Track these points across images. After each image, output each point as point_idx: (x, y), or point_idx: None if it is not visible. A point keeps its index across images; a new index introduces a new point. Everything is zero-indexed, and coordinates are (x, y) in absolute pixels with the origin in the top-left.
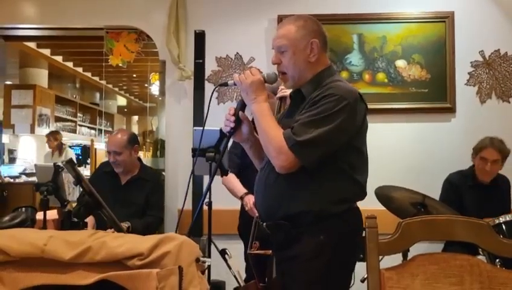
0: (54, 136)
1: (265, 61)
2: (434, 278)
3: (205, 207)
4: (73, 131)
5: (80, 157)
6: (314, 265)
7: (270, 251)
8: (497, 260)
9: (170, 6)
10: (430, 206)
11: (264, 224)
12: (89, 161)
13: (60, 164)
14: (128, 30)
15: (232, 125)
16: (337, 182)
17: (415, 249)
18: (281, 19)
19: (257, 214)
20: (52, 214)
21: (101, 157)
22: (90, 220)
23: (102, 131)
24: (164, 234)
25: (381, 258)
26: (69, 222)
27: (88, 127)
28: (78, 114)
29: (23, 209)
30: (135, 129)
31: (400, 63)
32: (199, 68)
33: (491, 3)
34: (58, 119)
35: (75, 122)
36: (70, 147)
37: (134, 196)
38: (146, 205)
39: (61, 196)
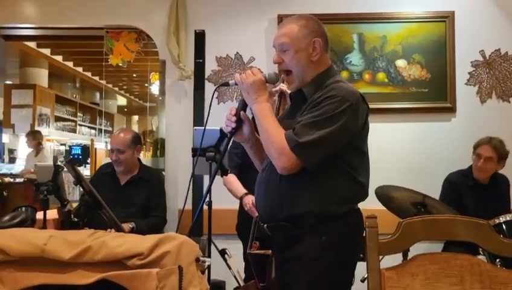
0: (32, 135)
1: (265, 61)
2: (434, 278)
3: (205, 207)
4: (73, 131)
5: (80, 157)
6: (317, 265)
7: (270, 251)
8: (498, 260)
9: (170, 6)
10: (430, 206)
11: (265, 225)
12: (89, 161)
13: (60, 163)
14: (128, 30)
15: (233, 125)
16: (338, 183)
17: (415, 249)
18: (281, 18)
19: (257, 214)
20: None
21: (101, 157)
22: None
23: (102, 131)
24: (164, 234)
25: (382, 258)
26: (69, 221)
27: (88, 127)
28: (78, 114)
29: (23, 208)
30: (135, 129)
31: (400, 63)
32: (199, 68)
33: (492, 3)
34: (58, 119)
35: (75, 122)
36: (70, 146)
37: (134, 196)
38: (147, 205)
39: (61, 196)
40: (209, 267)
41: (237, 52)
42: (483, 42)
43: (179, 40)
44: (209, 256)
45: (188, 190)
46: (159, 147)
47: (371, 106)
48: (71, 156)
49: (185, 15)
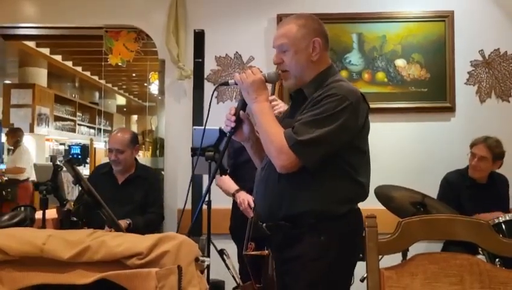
0: (12, 133)
1: (264, 61)
2: (434, 278)
3: (204, 207)
4: (73, 130)
5: (79, 156)
6: (317, 265)
7: (266, 252)
8: (497, 260)
9: (170, 6)
10: (430, 205)
11: (264, 224)
12: (88, 160)
13: (59, 163)
14: (128, 29)
15: (233, 125)
16: (338, 183)
17: (415, 249)
18: (280, 18)
19: (252, 215)
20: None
21: (101, 156)
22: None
23: (102, 130)
24: (163, 233)
25: (381, 258)
26: (68, 221)
27: (87, 127)
28: (78, 113)
29: (22, 208)
30: (134, 128)
31: (400, 63)
32: (198, 67)
33: (491, 3)
34: (57, 118)
35: (75, 121)
36: (69, 146)
37: (132, 194)
38: (145, 202)
39: (60, 195)
40: (208, 267)
41: (236, 52)
42: (482, 42)
43: (179, 39)
44: (209, 256)
45: (189, 190)
46: (158, 146)
47: (371, 105)
48: (70, 156)
49: (184, 14)
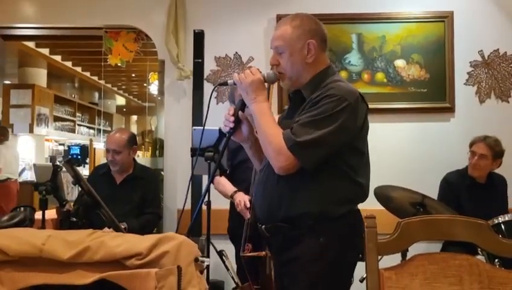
0: None
1: (264, 61)
2: (433, 278)
3: (204, 207)
4: (72, 131)
5: (79, 157)
6: (316, 267)
7: (263, 253)
8: (496, 260)
9: (169, 6)
10: (429, 206)
11: (263, 227)
12: (88, 161)
13: (58, 163)
14: (127, 30)
15: (231, 125)
16: (337, 184)
17: (414, 249)
18: (280, 18)
19: (249, 216)
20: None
21: (100, 156)
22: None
23: (101, 131)
24: (163, 234)
25: (380, 258)
26: (67, 221)
27: (87, 127)
28: (77, 114)
29: (22, 208)
30: (134, 129)
31: (399, 63)
32: (198, 68)
33: (491, 3)
34: (57, 118)
35: (74, 122)
36: (69, 146)
37: (129, 194)
38: (143, 202)
39: (60, 196)
40: (208, 267)
41: (236, 52)
42: (482, 42)
43: (178, 40)
44: (208, 256)
45: (188, 190)
46: (158, 147)
47: (370, 106)
48: (70, 156)
49: (184, 15)
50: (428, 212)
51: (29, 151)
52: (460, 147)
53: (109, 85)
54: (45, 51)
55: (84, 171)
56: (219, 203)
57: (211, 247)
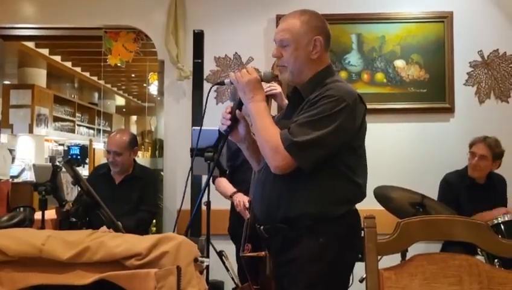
0: None
1: (264, 61)
2: (433, 278)
3: (204, 207)
4: (72, 131)
5: (79, 157)
6: (315, 267)
7: (263, 253)
8: (496, 260)
9: (169, 6)
10: (429, 206)
11: (262, 227)
12: (87, 161)
13: (58, 163)
14: (127, 30)
15: (228, 123)
16: (335, 184)
17: (414, 249)
18: (279, 18)
19: (248, 216)
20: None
21: (100, 157)
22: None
23: (101, 131)
24: (162, 234)
25: (380, 258)
26: (67, 221)
27: (86, 127)
28: (77, 114)
29: (21, 209)
30: (134, 129)
31: (399, 63)
32: (198, 68)
33: (490, 4)
34: (56, 119)
35: (74, 122)
36: (69, 146)
37: (128, 194)
38: (140, 201)
39: (59, 196)
40: (207, 267)
41: (236, 53)
42: (481, 42)
43: (178, 40)
44: (208, 256)
45: (185, 191)
46: (158, 147)
47: (370, 106)
48: (69, 156)
49: (183, 15)
50: (428, 212)
51: (29, 152)
52: (459, 147)
53: (109, 85)
54: (45, 51)
55: (84, 171)
56: (219, 204)
57: (211, 247)
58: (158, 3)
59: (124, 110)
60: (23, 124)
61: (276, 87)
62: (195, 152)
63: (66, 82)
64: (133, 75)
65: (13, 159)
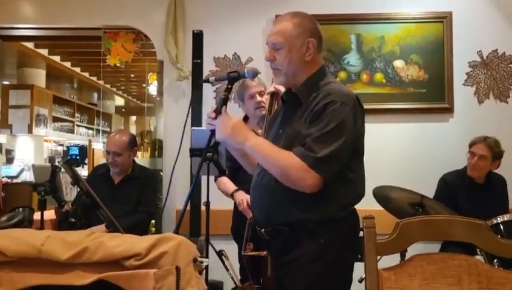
0: None
1: (263, 61)
2: (432, 278)
3: (203, 207)
4: (71, 131)
5: (78, 157)
6: (315, 267)
7: (265, 253)
8: (495, 260)
9: (168, 6)
10: (428, 206)
11: (262, 230)
12: (86, 161)
13: (57, 164)
14: (126, 30)
15: (214, 122)
16: (336, 187)
17: (413, 249)
18: None
19: (251, 215)
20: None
21: (99, 157)
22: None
23: (100, 131)
24: (162, 234)
25: (379, 259)
26: (66, 222)
27: (86, 128)
28: (76, 114)
29: (21, 209)
30: (133, 129)
31: (398, 63)
32: (197, 68)
33: (489, 4)
34: (55, 119)
35: (73, 122)
36: (68, 147)
37: (127, 194)
38: (139, 202)
39: (58, 196)
40: (206, 267)
41: (235, 53)
42: (480, 43)
43: (177, 40)
44: (207, 256)
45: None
46: (157, 147)
47: (369, 106)
48: (69, 157)
49: (182, 15)
50: (427, 212)
51: (28, 152)
52: (459, 147)
53: (108, 85)
54: (44, 52)
55: (83, 171)
56: (219, 204)
57: (211, 247)
58: (157, 3)
59: (123, 110)
60: (23, 125)
61: (280, 87)
62: (192, 152)
63: (65, 82)
64: (132, 76)
65: (12, 159)
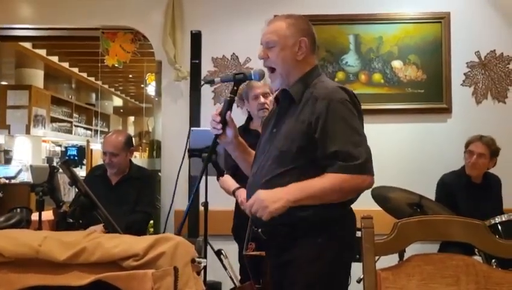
0: None
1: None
2: (430, 279)
3: (201, 208)
4: (69, 132)
5: (76, 158)
6: (313, 268)
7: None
8: (493, 260)
9: (166, 7)
10: (426, 206)
11: (259, 230)
12: (84, 162)
13: (55, 164)
14: (124, 30)
15: (219, 126)
16: None
17: (411, 250)
18: None
19: None
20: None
21: (97, 157)
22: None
23: (98, 132)
24: (160, 235)
25: (378, 259)
26: (64, 222)
27: (84, 128)
28: (74, 115)
29: (18, 210)
30: (131, 130)
31: (396, 64)
32: (195, 69)
33: (487, 4)
34: (54, 119)
35: (71, 122)
36: (66, 147)
37: (125, 195)
38: (137, 202)
39: (56, 197)
40: (205, 268)
41: (233, 53)
42: (478, 43)
43: (175, 40)
44: (205, 257)
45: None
46: (155, 148)
47: (367, 106)
48: (67, 157)
49: (181, 16)
50: (426, 212)
51: (26, 153)
52: (457, 147)
53: (106, 86)
54: (42, 52)
55: (81, 172)
56: (218, 204)
57: (209, 248)
58: (155, 3)
59: (121, 111)
60: (21, 125)
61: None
62: (191, 152)
63: (64, 83)
64: (130, 76)
65: (10, 159)
